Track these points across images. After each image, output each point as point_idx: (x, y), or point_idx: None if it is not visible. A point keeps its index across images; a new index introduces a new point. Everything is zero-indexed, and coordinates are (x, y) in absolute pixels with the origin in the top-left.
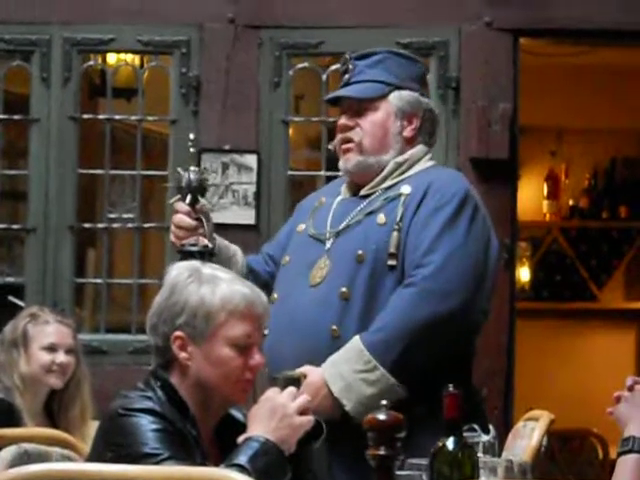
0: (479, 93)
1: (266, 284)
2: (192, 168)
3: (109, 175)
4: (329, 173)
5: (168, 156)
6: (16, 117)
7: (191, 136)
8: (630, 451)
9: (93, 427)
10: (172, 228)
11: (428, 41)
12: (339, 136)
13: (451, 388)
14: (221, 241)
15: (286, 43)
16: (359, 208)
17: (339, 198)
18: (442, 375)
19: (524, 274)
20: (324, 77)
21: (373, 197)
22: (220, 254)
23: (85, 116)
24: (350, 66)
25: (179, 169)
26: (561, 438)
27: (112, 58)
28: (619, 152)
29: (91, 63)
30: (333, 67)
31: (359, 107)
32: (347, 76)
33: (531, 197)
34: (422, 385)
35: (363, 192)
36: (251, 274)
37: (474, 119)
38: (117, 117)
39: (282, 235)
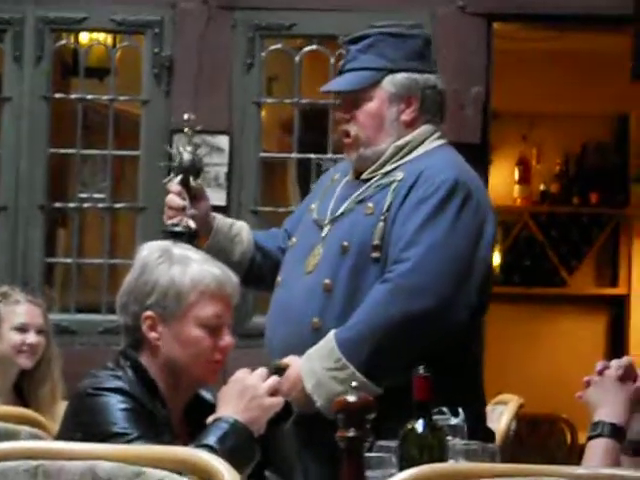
0: (452, 77)
1: (277, 262)
2: (187, 148)
3: (80, 155)
4: (300, 155)
5: (140, 136)
6: None
7: (185, 116)
8: (599, 435)
9: (63, 407)
10: (165, 208)
11: (402, 24)
12: (338, 128)
13: (421, 370)
14: (222, 221)
15: (259, 24)
16: (355, 194)
17: (345, 179)
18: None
19: (495, 258)
20: (297, 59)
21: (370, 182)
22: (219, 235)
23: (57, 95)
24: (343, 51)
25: (174, 148)
26: (530, 422)
27: (85, 37)
28: (590, 138)
29: (64, 42)
30: (306, 49)
31: (354, 98)
32: (341, 62)
33: (502, 182)
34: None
35: (364, 176)
36: (259, 252)
37: (447, 103)
38: (89, 97)
39: (299, 209)
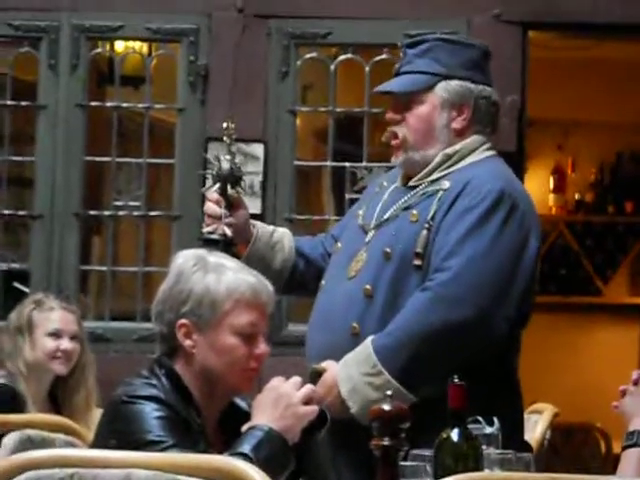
0: None
1: (320, 268)
2: (227, 156)
3: (116, 163)
4: (335, 164)
5: (175, 144)
6: (24, 104)
7: (225, 124)
8: (635, 445)
9: (97, 414)
10: (205, 216)
11: (436, 32)
12: (388, 129)
13: (456, 379)
14: (263, 229)
15: (294, 33)
16: (401, 201)
17: (393, 186)
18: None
19: None
20: (332, 67)
21: (417, 189)
22: (259, 242)
23: (93, 103)
24: (402, 55)
25: (214, 156)
26: (564, 432)
27: (120, 45)
28: (625, 147)
29: (99, 50)
30: (341, 57)
31: (406, 100)
32: (397, 65)
33: (537, 190)
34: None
35: (411, 183)
36: (302, 259)
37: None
38: (124, 105)
39: (346, 216)
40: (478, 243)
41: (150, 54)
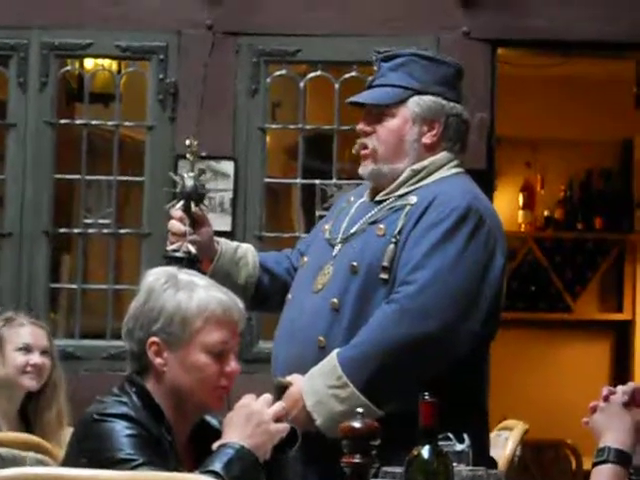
0: None
1: (286, 283)
2: (190, 174)
3: (85, 180)
4: (305, 181)
5: (144, 162)
6: None
7: (187, 142)
8: (605, 461)
9: (69, 432)
10: (168, 234)
11: (405, 50)
12: (358, 140)
13: (427, 396)
14: (227, 245)
15: (263, 50)
16: (368, 215)
17: (360, 200)
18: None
19: None
20: (301, 85)
21: (384, 204)
22: (223, 258)
23: (62, 121)
24: (376, 68)
25: (177, 174)
26: (534, 448)
27: (90, 63)
28: (595, 163)
29: (68, 68)
30: (310, 75)
31: (378, 112)
32: (370, 78)
33: (506, 207)
34: (409, 404)
35: (378, 197)
36: (266, 274)
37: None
38: (94, 122)
39: (314, 232)
40: (444, 257)
41: (119, 72)
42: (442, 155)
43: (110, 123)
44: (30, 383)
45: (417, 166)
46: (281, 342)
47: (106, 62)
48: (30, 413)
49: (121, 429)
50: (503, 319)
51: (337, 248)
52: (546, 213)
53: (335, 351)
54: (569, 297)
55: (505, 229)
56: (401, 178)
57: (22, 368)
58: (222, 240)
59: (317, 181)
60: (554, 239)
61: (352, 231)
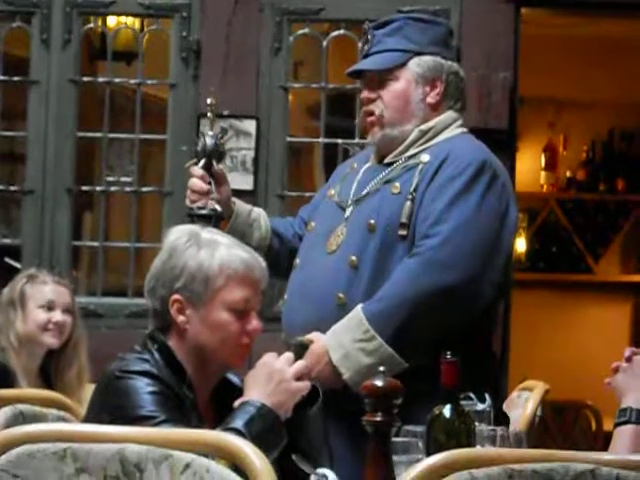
0: (479, 62)
1: (293, 249)
2: (209, 132)
3: (107, 138)
4: (327, 140)
5: (167, 120)
6: (15, 79)
7: (208, 100)
8: (627, 422)
9: (90, 390)
10: (187, 192)
11: (429, 9)
12: (362, 109)
13: (449, 355)
14: (242, 206)
15: (287, 9)
16: (380, 176)
17: (366, 165)
18: (454, 346)
19: (520, 245)
20: (324, 44)
21: (395, 165)
22: (239, 219)
23: (85, 79)
24: (369, 36)
25: (199, 133)
26: (555, 409)
27: (112, 21)
28: (617, 125)
29: (91, 25)
30: (333, 34)
31: (379, 78)
32: (366, 47)
33: (528, 168)
34: (433, 356)
35: (387, 160)
36: (277, 238)
37: (474, 88)
38: (117, 80)
39: (315, 199)
40: (464, 209)
41: (142, 29)
42: (447, 115)
43: (133, 81)
44: (52, 340)
45: (424, 127)
46: (294, 304)
47: (129, 20)
48: (51, 370)
49: (143, 386)
50: (525, 280)
51: (349, 210)
52: (568, 174)
53: (359, 306)
54: (591, 258)
55: (527, 190)
56: (409, 139)
57: (44, 325)
58: (237, 201)
59: (339, 140)
60: (576, 200)
61: (364, 192)
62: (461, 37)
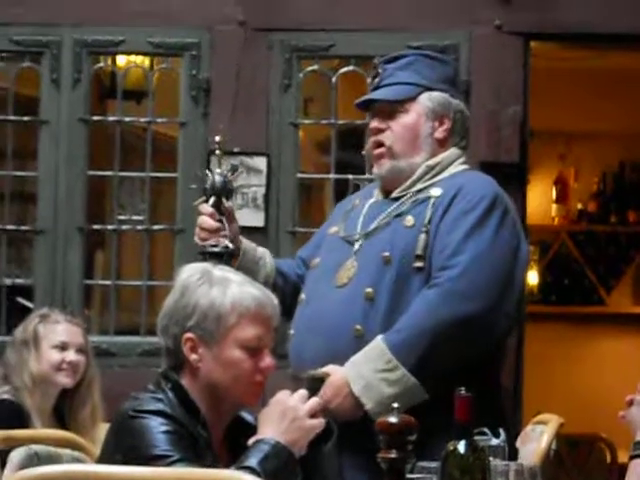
0: (489, 97)
1: (296, 287)
2: (217, 170)
3: (118, 177)
4: (338, 176)
5: (177, 158)
6: (26, 119)
7: (217, 138)
8: None
9: (103, 429)
10: (196, 230)
11: (438, 45)
12: (371, 139)
13: (462, 390)
14: (248, 244)
15: (296, 46)
16: (389, 210)
17: (371, 200)
18: (465, 378)
19: (532, 278)
20: (334, 80)
21: (403, 199)
22: (246, 257)
23: (95, 118)
24: (380, 70)
25: (206, 170)
26: (569, 442)
27: (122, 60)
28: (628, 156)
29: (101, 65)
30: (342, 70)
31: (390, 110)
32: (377, 80)
33: (540, 201)
34: (445, 389)
35: (394, 194)
36: (280, 277)
37: (484, 123)
38: (127, 119)
39: (316, 238)
40: (480, 241)
41: (152, 68)
42: (452, 151)
43: (143, 120)
44: (65, 380)
45: (431, 162)
46: (303, 338)
47: (138, 59)
48: (65, 410)
49: (157, 425)
50: (537, 313)
51: (358, 243)
52: (579, 206)
53: (379, 337)
54: (603, 290)
55: (538, 222)
56: (417, 174)
57: (58, 365)
58: (243, 239)
59: (350, 176)
60: (587, 232)
61: (373, 226)
62: (471, 71)
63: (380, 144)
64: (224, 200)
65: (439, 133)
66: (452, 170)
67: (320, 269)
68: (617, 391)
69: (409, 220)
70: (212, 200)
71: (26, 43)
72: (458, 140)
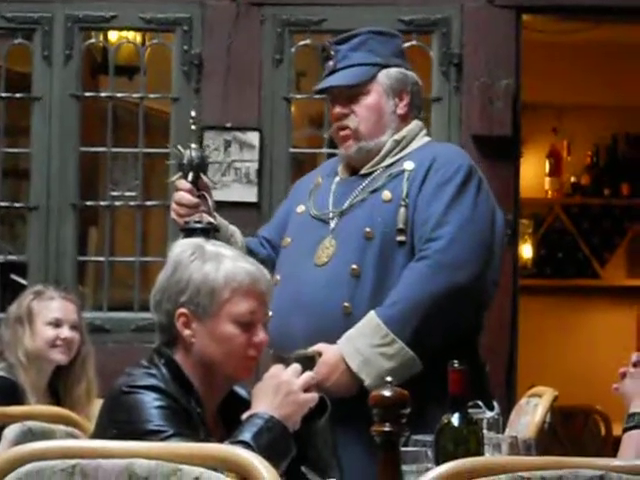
0: (481, 70)
1: (264, 265)
2: (193, 145)
3: (111, 153)
4: (331, 150)
5: (170, 134)
6: (18, 95)
7: (192, 113)
8: (636, 426)
9: (98, 405)
10: (173, 206)
11: (430, 18)
12: (335, 125)
13: (456, 364)
14: (220, 220)
15: (288, 20)
16: (361, 186)
17: (337, 178)
18: (451, 350)
19: (526, 251)
20: None
21: (375, 175)
22: (220, 233)
23: (87, 94)
24: (332, 52)
25: (179, 147)
26: (564, 415)
27: (114, 36)
28: (621, 129)
29: (93, 41)
30: None
31: (350, 93)
32: (331, 63)
33: (533, 174)
34: (434, 361)
35: (364, 171)
36: (250, 255)
37: (476, 96)
38: (119, 95)
39: (278, 217)
40: (462, 211)
41: (144, 44)
42: (415, 124)
43: (135, 95)
44: (60, 357)
45: (397, 136)
46: (289, 319)
47: (130, 34)
48: (59, 387)
49: (150, 401)
50: (531, 286)
51: (334, 222)
52: (573, 179)
53: (371, 312)
54: (597, 263)
55: (532, 196)
56: (385, 149)
57: (52, 342)
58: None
59: (342, 150)
60: (581, 205)
61: (348, 203)
62: (463, 45)
63: (345, 127)
64: (202, 175)
65: (400, 109)
66: (418, 142)
67: (293, 249)
68: (611, 363)
69: (386, 195)
70: (191, 176)
71: (17, 20)
72: (417, 112)
